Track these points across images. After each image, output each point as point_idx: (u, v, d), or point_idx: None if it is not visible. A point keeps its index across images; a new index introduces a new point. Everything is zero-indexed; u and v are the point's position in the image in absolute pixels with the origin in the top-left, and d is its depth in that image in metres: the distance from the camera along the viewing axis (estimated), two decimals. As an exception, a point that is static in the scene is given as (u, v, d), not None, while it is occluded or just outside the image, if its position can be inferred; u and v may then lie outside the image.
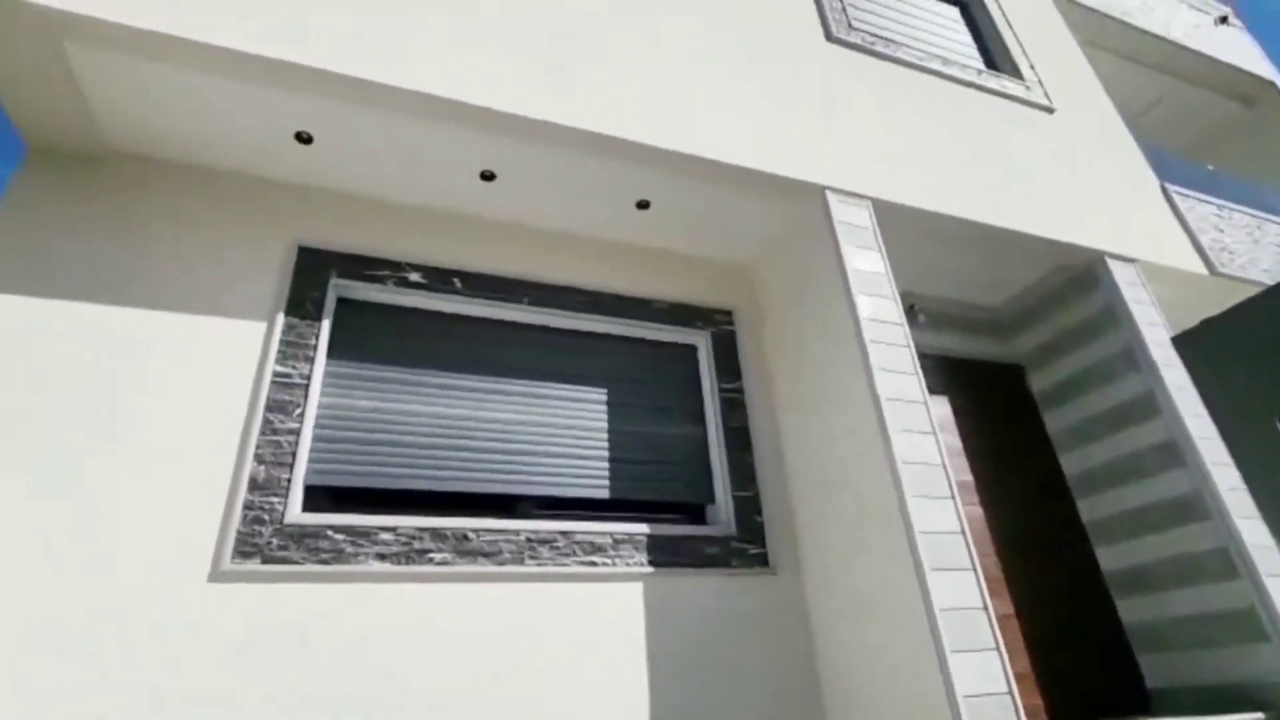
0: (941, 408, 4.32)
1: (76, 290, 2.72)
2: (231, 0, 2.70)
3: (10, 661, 2.16)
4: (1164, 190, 5.26)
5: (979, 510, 4.06)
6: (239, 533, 2.54)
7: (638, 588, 3.02)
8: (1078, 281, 4.48)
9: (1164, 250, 4.74)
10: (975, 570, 2.78)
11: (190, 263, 2.94)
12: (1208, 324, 1.89)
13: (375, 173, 3.29)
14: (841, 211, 3.59)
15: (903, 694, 2.70)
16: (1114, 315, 4.22)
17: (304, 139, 3.06)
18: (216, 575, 2.46)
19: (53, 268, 2.73)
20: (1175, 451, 3.76)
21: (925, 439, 3.03)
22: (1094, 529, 4.20)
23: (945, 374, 4.46)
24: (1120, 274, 4.33)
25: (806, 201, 3.65)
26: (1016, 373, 4.78)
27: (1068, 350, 4.48)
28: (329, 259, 3.18)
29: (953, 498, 2.93)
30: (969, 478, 4.16)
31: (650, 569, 3.06)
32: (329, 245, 3.21)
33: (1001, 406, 4.60)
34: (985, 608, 2.71)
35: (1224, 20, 7.90)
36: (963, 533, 2.86)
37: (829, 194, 3.60)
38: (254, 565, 2.51)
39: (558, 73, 3.25)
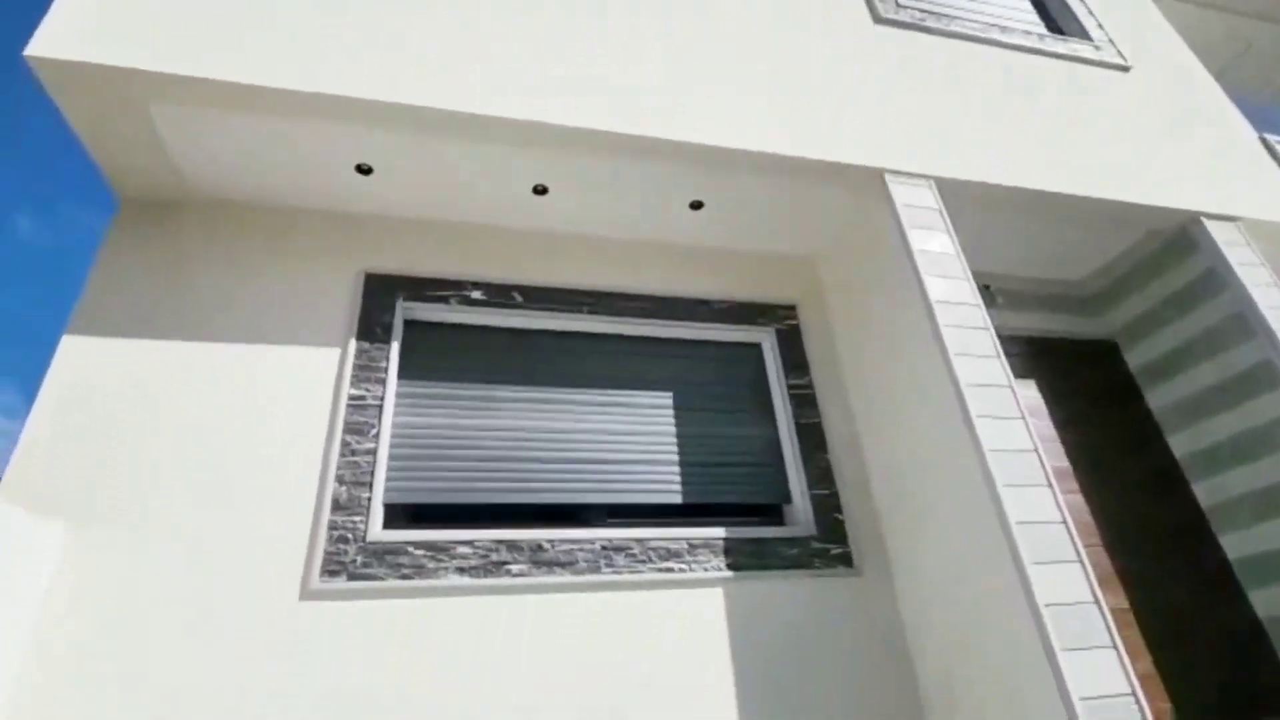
0: (1029, 391, 4.06)
1: (165, 331, 2.90)
2: (286, 47, 2.84)
3: (121, 686, 2.28)
4: (1263, 141, 4.82)
5: (1080, 499, 3.78)
6: (326, 552, 2.62)
7: (717, 593, 2.95)
8: (1172, 246, 4.14)
9: (1269, 205, 4.33)
10: (1082, 561, 2.57)
11: (268, 296, 3.09)
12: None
13: (432, 196, 3.39)
14: (903, 193, 3.44)
15: (1012, 697, 2.51)
16: (1218, 279, 3.87)
17: (364, 170, 3.17)
18: (307, 594, 2.54)
19: (144, 312, 2.92)
20: (1304, 423, 3.40)
21: (1013, 424, 2.84)
22: (1215, 514, 3.84)
23: (1030, 356, 4.20)
24: (1220, 234, 3.98)
25: (865, 187, 3.52)
26: (1109, 349, 4.46)
27: (1168, 320, 4.14)
28: (394, 283, 3.28)
29: (1049, 485, 2.72)
30: (1065, 464, 3.88)
31: (729, 573, 2.98)
32: (394, 270, 3.31)
33: (1095, 386, 4.28)
34: (1097, 601, 2.50)
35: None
36: (1064, 522, 2.65)
37: (888, 176, 3.46)
38: (341, 583, 2.58)
39: (599, 80, 3.26)
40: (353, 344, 3.06)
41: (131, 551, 2.48)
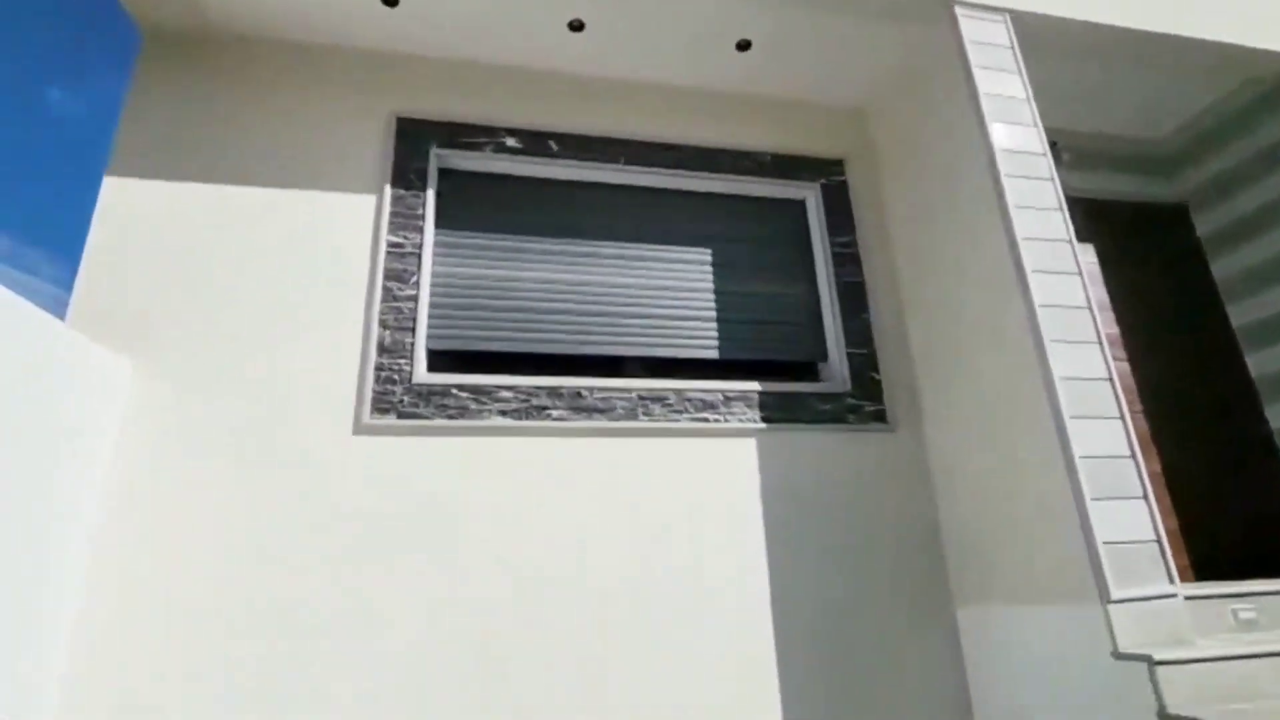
0: (1087, 256, 3.86)
1: (202, 171, 2.88)
2: None
3: (189, 513, 2.48)
4: (1398, -26, 4.20)
5: (1127, 366, 3.70)
6: (374, 392, 2.72)
7: (751, 444, 3.02)
8: (1270, 98, 3.75)
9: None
10: (1124, 419, 2.54)
11: (299, 139, 3.02)
12: None
13: (462, 33, 3.19)
14: (973, 29, 3.13)
15: (1036, 546, 2.59)
16: (1317, 134, 3.53)
17: (389, 1, 2.98)
18: (360, 429, 2.67)
19: (178, 150, 2.89)
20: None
21: (1069, 280, 2.73)
22: (1266, 384, 3.74)
23: (1092, 219, 3.95)
24: (1328, 83, 3.58)
25: (930, 22, 3.20)
26: (1178, 213, 4.18)
27: (1250, 182, 3.83)
28: (428, 129, 3.17)
29: (1099, 343, 2.65)
30: (1116, 330, 3.77)
31: (763, 425, 3.04)
32: (426, 114, 3.19)
33: (1157, 252, 4.06)
34: (1133, 456, 2.50)
35: None
36: (1110, 379, 2.61)
37: (958, 9, 3.13)
38: (391, 420, 2.70)
39: (644, -106, 2.93)
40: (388, 190, 3.01)
41: (194, 388, 2.60)
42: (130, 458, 2.48)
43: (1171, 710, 2.02)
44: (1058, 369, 2.54)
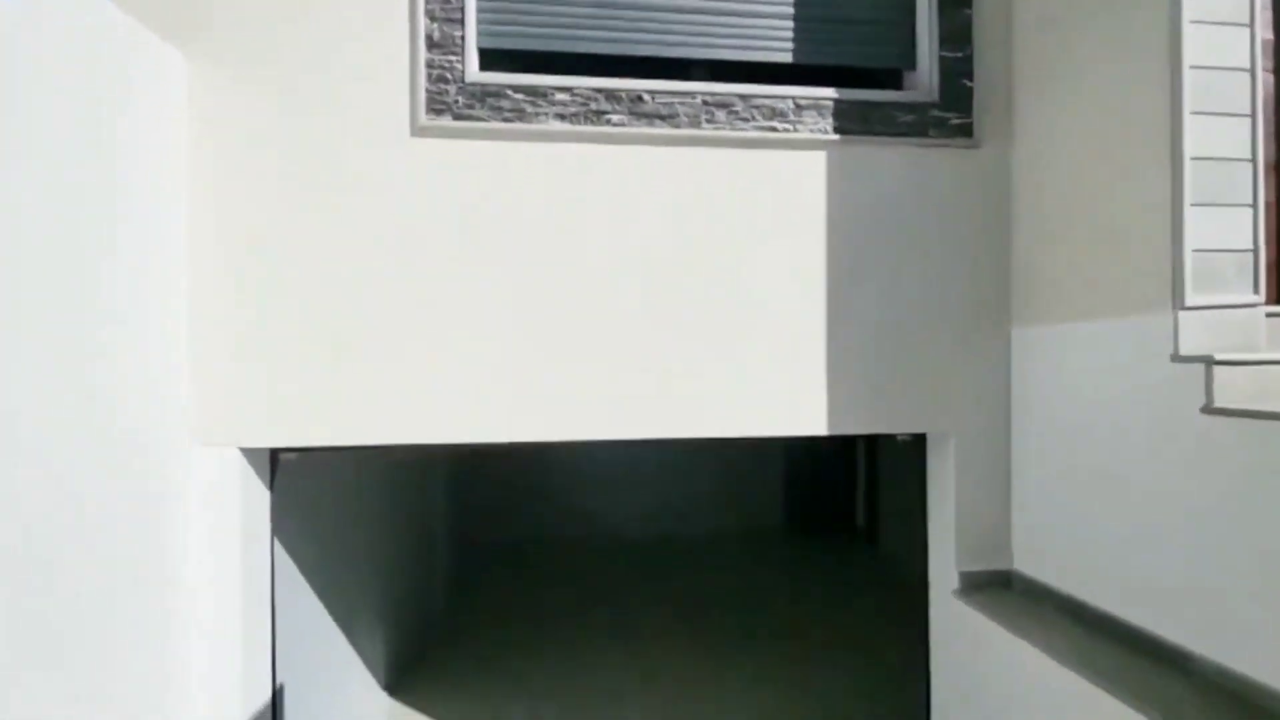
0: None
1: None
2: None
3: (252, 211, 2.58)
4: None
5: (1271, 80, 3.18)
6: (428, 90, 2.63)
7: (820, 157, 2.86)
8: None
9: None
10: (1254, 115, 2.24)
11: None
12: None
13: None
14: None
15: (1113, 259, 2.47)
16: None
17: None
18: (417, 130, 2.64)
19: None
20: None
21: (1232, -54, 2.24)
22: None
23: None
24: None
25: None
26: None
27: None
28: None
29: (1249, 24, 2.26)
30: (1270, 37, 3.19)
31: (835, 136, 2.84)
32: None
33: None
34: (1253, 159, 2.24)
35: None
36: (1250, 70, 2.26)
37: None
38: (446, 121, 2.64)
39: None
40: None
41: (251, 87, 2.57)
42: (199, 165, 2.55)
43: (1219, 405, 2.05)
44: (1189, 55, 2.20)
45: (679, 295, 2.77)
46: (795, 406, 2.83)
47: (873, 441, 8.21)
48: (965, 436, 2.94)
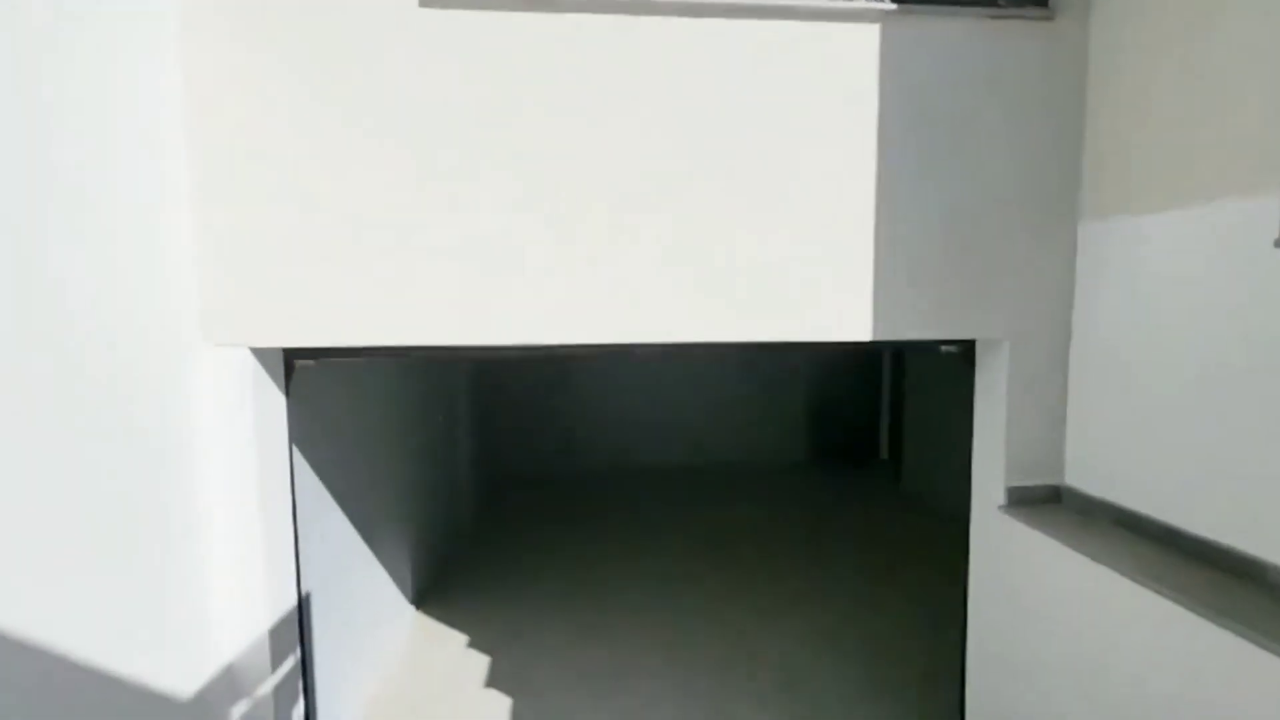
0: None
1: None
2: None
3: (271, 108, 2.37)
4: None
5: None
6: (437, -47, 2.36)
7: (874, 31, 2.56)
8: None
9: None
10: (1398, -44, 1.91)
11: None
12: None
13: None
14: None
15: (1206, 137, 2.18)
16: None
17: None
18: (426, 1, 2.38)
19: None
20: None
21: None
22: None
23: None
24: None
25: None
26: None
27: None
28: None
29: None
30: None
31: (891, 6, 2.53)
32: None
33: None
34: (1391, 10, 1.92)
35: None
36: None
37: None
38: (458, -12, 2.38)
39: None
40: None
41: (240, -56, 2.31)
42: (193, 50, 2.32)
43: (1332, 292, 1.82)
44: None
45: (719, 183, 2.54)
46: (839, 309, 2.63)
47: (899, 369, 8.02)
48: (1021, 342, 2.73)
